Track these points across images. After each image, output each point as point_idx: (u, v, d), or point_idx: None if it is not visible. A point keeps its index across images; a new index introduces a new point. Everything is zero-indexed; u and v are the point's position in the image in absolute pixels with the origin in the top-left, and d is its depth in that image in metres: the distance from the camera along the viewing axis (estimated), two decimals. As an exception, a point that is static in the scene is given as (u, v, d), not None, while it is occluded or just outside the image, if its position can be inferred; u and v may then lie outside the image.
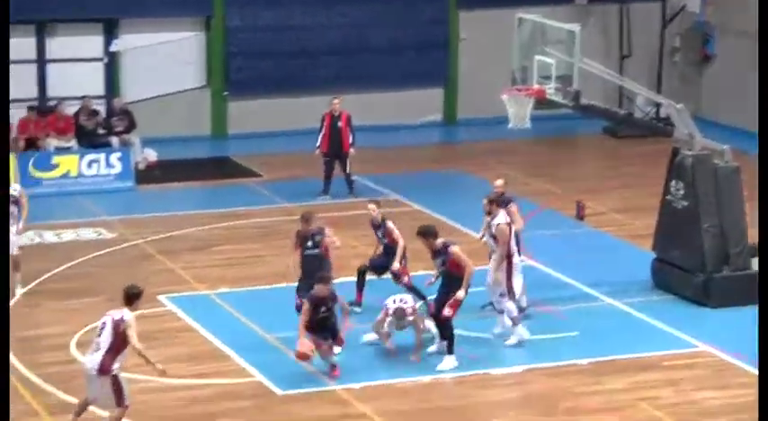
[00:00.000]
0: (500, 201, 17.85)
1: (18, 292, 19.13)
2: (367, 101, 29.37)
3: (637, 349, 17.38)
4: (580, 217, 23.62)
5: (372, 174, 26.11)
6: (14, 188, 19.36)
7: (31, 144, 26.27)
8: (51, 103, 27.45)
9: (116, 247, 21.79)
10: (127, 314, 14.17)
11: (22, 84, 27.46)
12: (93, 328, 17.66)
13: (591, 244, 22.29)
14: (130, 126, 27.07)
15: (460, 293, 16.47)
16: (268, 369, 16.60)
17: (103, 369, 14.05)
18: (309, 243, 17.58)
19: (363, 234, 20.39)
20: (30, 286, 19.70)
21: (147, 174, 26.45)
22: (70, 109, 27.13)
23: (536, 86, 19.97)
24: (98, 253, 21.47)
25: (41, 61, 28.25)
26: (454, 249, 16.63)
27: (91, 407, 14.64)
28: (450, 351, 16.62)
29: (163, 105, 28.66)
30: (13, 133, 26.25)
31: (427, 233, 16.83)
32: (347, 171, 24.80)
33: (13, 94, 27.34)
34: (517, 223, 17.99)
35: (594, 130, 29.49)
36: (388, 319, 16.75)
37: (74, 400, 15.60)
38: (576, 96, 19.81)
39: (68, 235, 22.61)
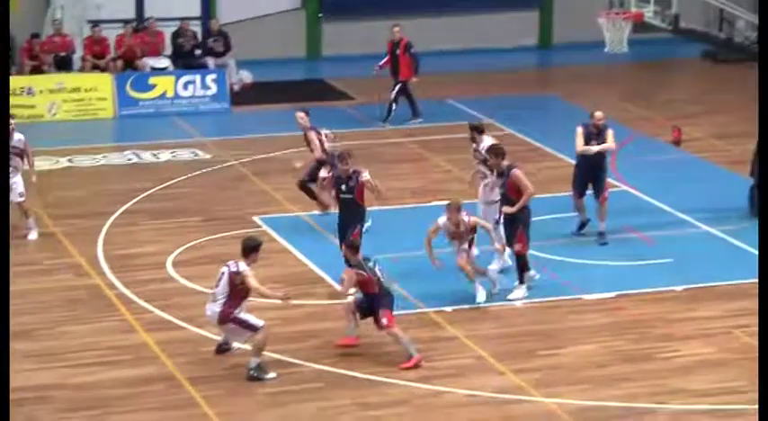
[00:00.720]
0: (480, 128, 17.78)
1: (33, 236, 18.44)
2: (462, 24, 29.08)
3: (732, 276, 17.14)
4: (676, 142, 23.26)
5: (466, 98, 25.93)
6: (18, 139, 18.39)
7: (128, 64, 26.43)
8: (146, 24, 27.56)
9: (211, 168, 21.90)
10: (242, 266, 14.18)
11: (121, 3, 27.65)
12: (190, 248, 17.97)
13: (687, 170, 21.97)
14: (226, 48, 27.09)
15: (507, 209, 16.22)
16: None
17: (223, 318, 14.24)
18: (344, 187, 17.05)
19: (460, 157, 20.25)
20: (126, 205, 19.89)
21: (242, 96, 26.51)
22: (165, 29, 27.21)
23: (634, 10, 19.65)
24: (193, 173, 21.59)
25: (139, -19, 28.39)
26: (517, 172, 16.38)
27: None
28: (521, 280, 16.48)
29: (258, 27, 28.62)
30: (111, 53, 26.47)
31: (497, 154, 16.63)
32: (392, 97, 24.56)
33: (111, 14, 27.64)
34: (610, 145, 17.92)
35: (693, 55, 28.97)
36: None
37: (169, 318, 15.81)
38: (674, 20, 19.42)
39: (165, 155, 22.77)
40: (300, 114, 19.40)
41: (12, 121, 18.27)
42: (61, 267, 17.44)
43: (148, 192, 20.49)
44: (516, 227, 16.34)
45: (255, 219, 19.32)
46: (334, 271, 17.10)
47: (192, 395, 13.88)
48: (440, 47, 28.85)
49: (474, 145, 17.81)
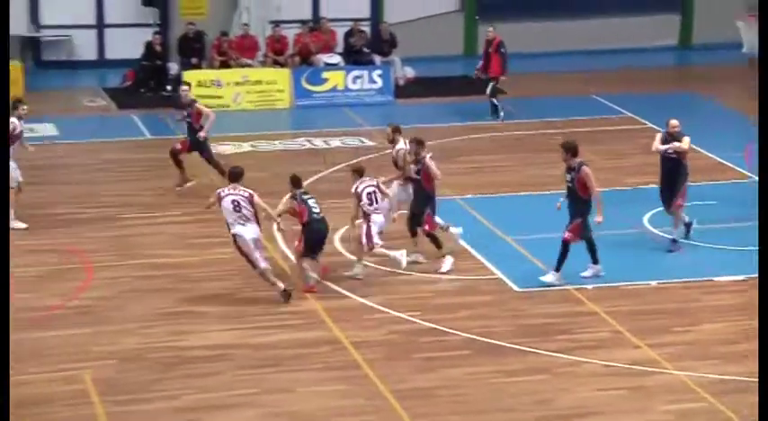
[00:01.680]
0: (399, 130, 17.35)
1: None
2: (607, 25, 28.70)
3: None
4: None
5: (610, 94, 25.61)
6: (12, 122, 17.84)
7: (304, 60, 26.76)
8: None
9: (376, 154, 22.02)
10: (246, 189, 15.32)
11: (298, 5, 28.03)
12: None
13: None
14: (392, 47, 27.23)
15: (598, 219, 15.75)
16: (507, 268, 16.57)
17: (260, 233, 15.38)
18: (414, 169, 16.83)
19: (604, 148, 19.97)
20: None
21: (405, 89, 26.61)
22: (337, 29, 27.49)
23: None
24: (360, 158, 21.72)
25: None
26: (586, 169, 15.85)
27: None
28: (557, 268, 15.92)
29: (421, 27, 28.68)
30: (290, 50, 26.83)
31: (568, 148, 16.15)
32: (488, 94, 24.35)
33: (290, 15, 28.04)
34: (681, 145, 17.01)
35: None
36: None
37: (336, 288, 15.97)
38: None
39: (335, 142, 22.98)
40: (184, 87, 20.16)
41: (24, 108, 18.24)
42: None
43: (319, 175, 20.71)
44: (574, 218, 15.85)
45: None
46: (484, 249, 17.13)
47: (354, 357, 14.02)
48: (586, 47, 28.55)
49: (391, 145, 17.37)
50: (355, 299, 15.69)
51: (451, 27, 29.27)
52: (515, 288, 16.08)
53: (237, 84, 25.68)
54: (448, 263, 16.52)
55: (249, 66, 26.54)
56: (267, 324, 14.91)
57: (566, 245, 15.91)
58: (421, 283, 16.23)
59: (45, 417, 12.48)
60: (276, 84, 25.84)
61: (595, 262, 16.17)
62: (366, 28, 28.17)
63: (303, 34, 27.18)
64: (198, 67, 26.49)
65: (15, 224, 17.75)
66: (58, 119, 24.24)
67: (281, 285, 15.46)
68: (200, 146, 19.67)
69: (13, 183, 17.63)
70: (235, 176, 15.56)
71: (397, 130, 17.62)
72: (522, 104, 25.08)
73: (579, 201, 15.90)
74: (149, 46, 26.76)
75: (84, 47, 28.45)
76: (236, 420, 12.60)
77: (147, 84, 26.65)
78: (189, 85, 20.91)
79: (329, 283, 16.12)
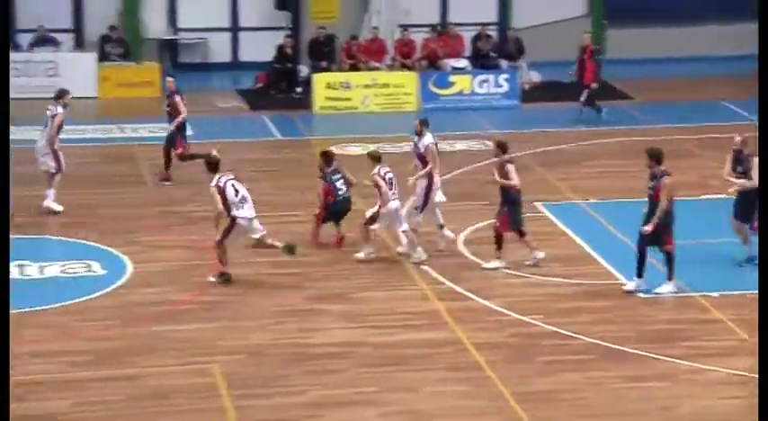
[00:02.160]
0: (427, 124, 17.19)
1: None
2: (738, 30, 28.12)
3: None
4: None
5: (739, 100, 25.11)
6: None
7: (432, 64, 26.76)
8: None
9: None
10: (229, 172, 15.84)
11: (427, 9, 28.06)
12: (476, 229, 18.02)
13: None
14: (519, 53, 27.08)
15: (646, 227, 15.28)
16: (631, 273, 16.29)
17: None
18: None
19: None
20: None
21: (531, 94, 26.42)
22: (465, 33, 27.44)
23: None
24: (485, 162, 21.60)
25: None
26: (666, 180, 15.31)
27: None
28: (669, 277, 15.55)
29: (548, 32, 28.44)
30: (417, 53, 26.87)
31: (652, 155, 15.64)
32: (583, 100, 24.07)
33: (419, 19, 28.11)
34: (748, 182, 16.00)
35: None
36: None
37: (459, 289, 15.90)
38: None
39: (460, 145, 22.91)
40: (169, 79, 20.79)
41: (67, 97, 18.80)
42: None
43: (444, 177, 20.64)
44: (664, 229, 15.35)
45: (537, 204, 19.20)
46: (608, 253, 16.90)
47: (476, 359, 13.93)
48: (715, 52, 28.01)
49: (417, 138, 17.30)
50: (477, 301, 15.60)
51: (579, 32, 28.94)
52: (640, 294, 15.80)
53: (366, 86, 25.79)
54: (495, 263, 16.46)
55: (377, 69, 26.63)
56: (390, 323, 14.91)
57: (668, 255, 15.58)
58: (543, 286, 16.06)
59: (174, 409, 12.65)
60: (404, 87, 25.89)
61: (639, 275, 15.68)
62: (493, 32, 28.06)
63: (431, 39, 27.19)
64: (327, 69, 26.68)
65: (53, 205, 18.52)
66: (192, 119, 24.58)
67: (279, 244, 16.00)
68: (170, 137, 20.33)
69: (52, 169, 18.51)
70: (217, 165, 15.87)
71: (425, 123, 17.49)
72: (651, 109, 24.72)
73: (656, 207, 15.41)
74: (281, 49, 27.05)
75: (219, 49, 28.89)
76: (357, 418, 12.62)
77: (278, 86, 26.94)
78: (173, 76, 21.58)
79: (453, 285, 16.06)
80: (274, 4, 28.19)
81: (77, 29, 28.23)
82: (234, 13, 28.88)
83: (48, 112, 18.76)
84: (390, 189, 16.69)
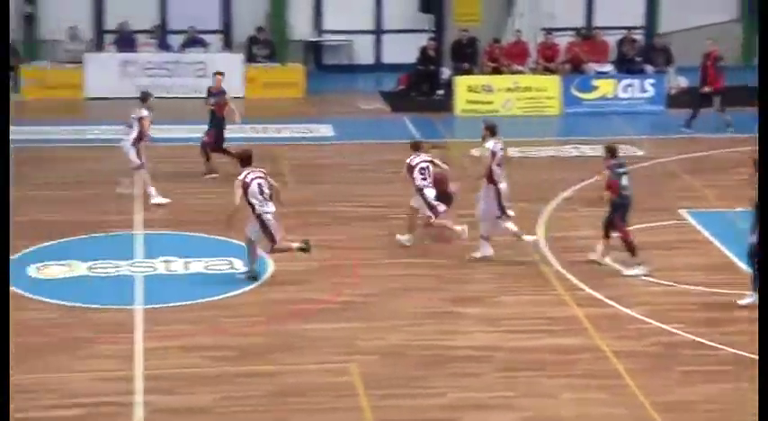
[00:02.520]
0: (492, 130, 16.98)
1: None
2: None
3: None
4: None
5: None
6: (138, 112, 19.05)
7: (575, 68, 26.54)
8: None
9: (643, 164, 21.59)
10: (259, 169, 15.86)
11: (572, 13, 27.84)
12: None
13: None
14: (667, 61, 26.68)
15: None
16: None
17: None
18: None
19: None
20: (566, 193, 19.98)
21: (677, 99, 25.98)
22: (610, 38, 27.14)
23: None
24: (630, 168, 21.35)
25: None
26: None
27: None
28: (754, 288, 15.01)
29: (697, 36, 27.93)
30: (561, 57, 26.67)
31: None
32: (714, 106, 23.50)
33: (563, 23, 27.92)
34: None
35: None
36: None
37: (599, 296, 15.73)
38: None
39: (601, 150, 22.57)
40: (218, 77, 20.76)
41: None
42: (504, 245, 17.70)
43: (587, 182, 20.46)
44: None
45: (681, 211, 18.87)
46: (752, 264, 16.48)
47: (615, 367, 13.76)
48: None
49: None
50: (618, 308, 15.41)
51: (729, 37, 28.37)
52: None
53: (508, 90, 25.71)
54: (637, 270, 16.15)
55: (520, 72, 26.51)
56: (528, 328, 14.83)
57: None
58: (685, 295, 15.79)
59: (311, 407, 12.79)
60: (546, 90, 25.74)
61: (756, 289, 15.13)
62: (639, 36, 27.68)
63: (575, 43, 26.96)
64: (469, 72, 26.68)
65: (158, 200, 18.92)
66: (335, 120, 24.92)
67: (295, 245, 15.99)
68: (219, 135, 20.35)
69: (136, 164, 18.88)
70: (249, 160, 15.92)
71: (489, 129, 17.29)
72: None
73: None
74: (424, 51, 27.14)
75: (363, 51, 29.12)
76: (494, 422, 12.59)
77: (420, 88, 27.04)
78: (222, 73, 21.33)
79: (592, 291, 15.90)
80: (418, 6, 28.32)
81: (226, 30, 28.78)
82: (378, 16, 29.09)
83: (132, 115, 19.10)
84: (425, 178, 16.96)
